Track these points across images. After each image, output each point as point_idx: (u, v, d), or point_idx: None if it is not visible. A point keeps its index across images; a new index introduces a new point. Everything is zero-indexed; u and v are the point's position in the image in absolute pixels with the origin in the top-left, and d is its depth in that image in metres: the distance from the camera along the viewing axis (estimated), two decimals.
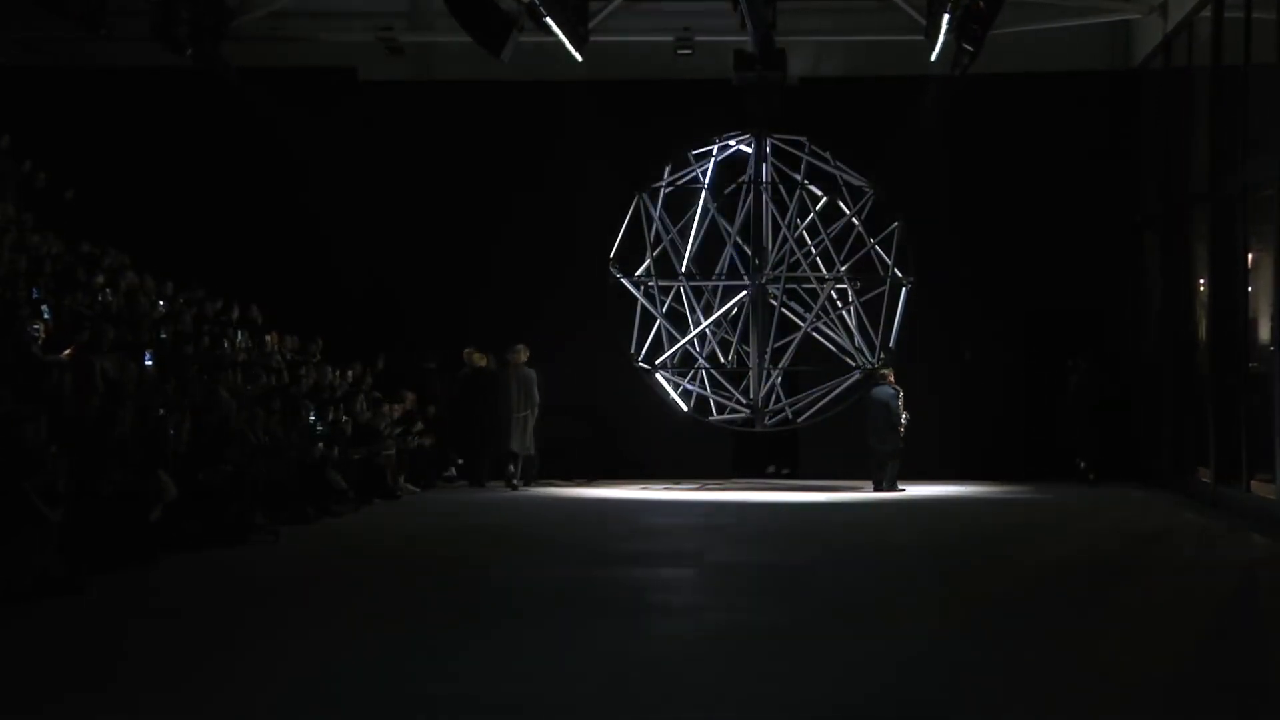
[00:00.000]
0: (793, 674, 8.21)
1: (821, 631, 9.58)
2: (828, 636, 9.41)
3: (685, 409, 20.86)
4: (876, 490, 20.11)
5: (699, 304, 20.85)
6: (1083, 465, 21.39)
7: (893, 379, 20.29)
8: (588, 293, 21.32)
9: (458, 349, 21.67)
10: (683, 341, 20.64)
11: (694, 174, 20.81)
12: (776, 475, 22.38)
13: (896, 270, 20.30)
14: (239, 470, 14.29)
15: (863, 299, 20.63)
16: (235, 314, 19.99)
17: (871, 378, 20.38)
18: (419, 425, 20.49)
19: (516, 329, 21.70)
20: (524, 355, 21.05)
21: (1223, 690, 7.93)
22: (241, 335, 19.33)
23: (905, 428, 20.07)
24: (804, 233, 20.79)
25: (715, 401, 20.96)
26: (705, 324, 20.78)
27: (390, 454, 19.22)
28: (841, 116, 21.58)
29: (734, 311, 20.83)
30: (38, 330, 15.01)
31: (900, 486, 20.05)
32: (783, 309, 20.48)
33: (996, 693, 7.80)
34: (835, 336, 20.74)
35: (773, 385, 20.80)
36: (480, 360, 21.37)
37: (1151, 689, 7.92)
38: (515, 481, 20.86)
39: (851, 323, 20.70)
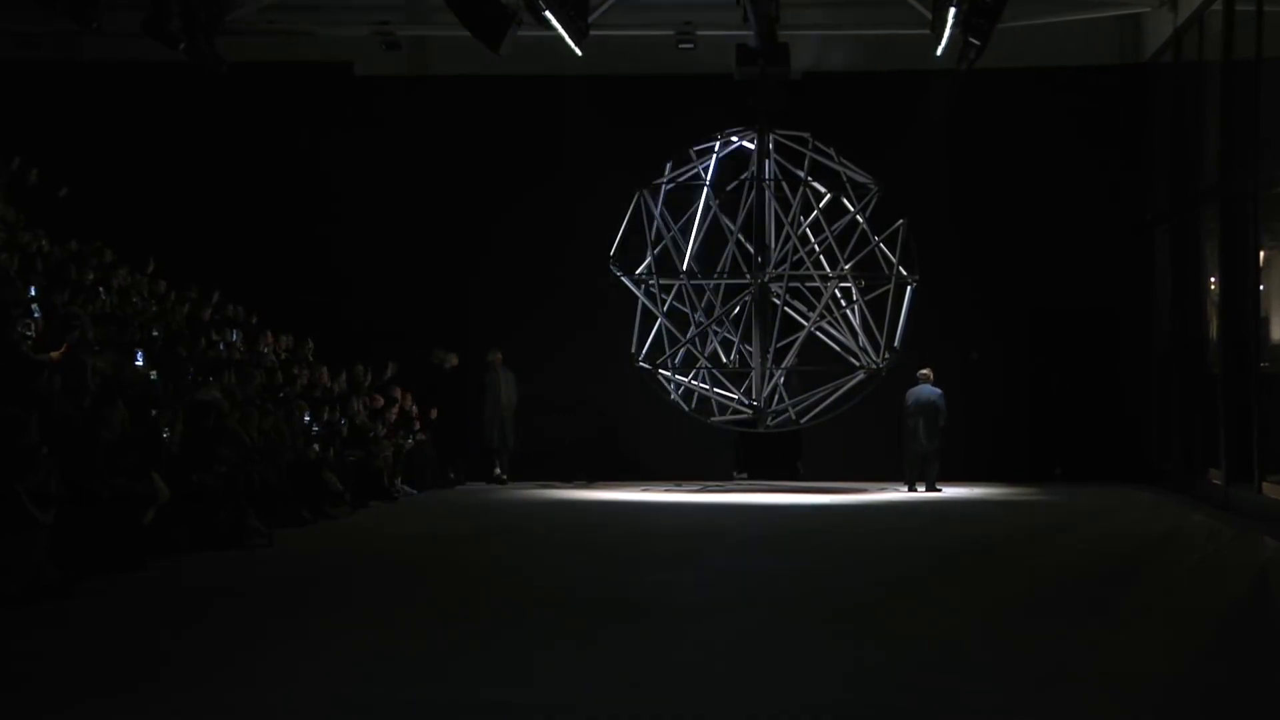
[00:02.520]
0: (796, 678, 8.08)
1: (825, 635, 9.45)
2: (832, 640, 9.27)
3: (687, 409, 20.62)
4: (911, 491, 19.94)
5: (700, 303, 20.61)
6: (1058, 471, 21.53)
7: (933, 379, 20.13)
8: (588, 291, 21.16)
9: (455, 346, 21.54)
10: (684, 341, 20.40)
11: (696, 170, 20.59)
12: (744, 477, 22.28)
13: (901, 268, 20.07)
14: (233, 472, 14.09)
15: (867, 298, 20.40)
16: (229, 312, 19.81)
17: (875, 378, 20.16)
18: (417, 425, 20.30)
19: (515, 327, 21.59)
20: (500, 356, 21.41)
21: (1231, 693, 7.84)
22: (237, 335, 19.15)
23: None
24: (807, 230, 20.57)
25: (717, 402, 20.72)
26: (707, 323, 20.54)
27: (387, 455, 19.01)
28: (846, 112, 21.44)
29: (736, 310, 20.60)
30: (29, 329, 14.78)
31: (938, 487, 19.91)
32: (786, 308, 20.28)
33: (1002, 696, 7.70)
34: (839, 335, 20.52)
35: (776, 385, 20.57)
36: (453, 360, 21.39)
37: (1159, 692, 7.84)
38: (503, 476, 21.32)
39: (856, 322, 20.46)
